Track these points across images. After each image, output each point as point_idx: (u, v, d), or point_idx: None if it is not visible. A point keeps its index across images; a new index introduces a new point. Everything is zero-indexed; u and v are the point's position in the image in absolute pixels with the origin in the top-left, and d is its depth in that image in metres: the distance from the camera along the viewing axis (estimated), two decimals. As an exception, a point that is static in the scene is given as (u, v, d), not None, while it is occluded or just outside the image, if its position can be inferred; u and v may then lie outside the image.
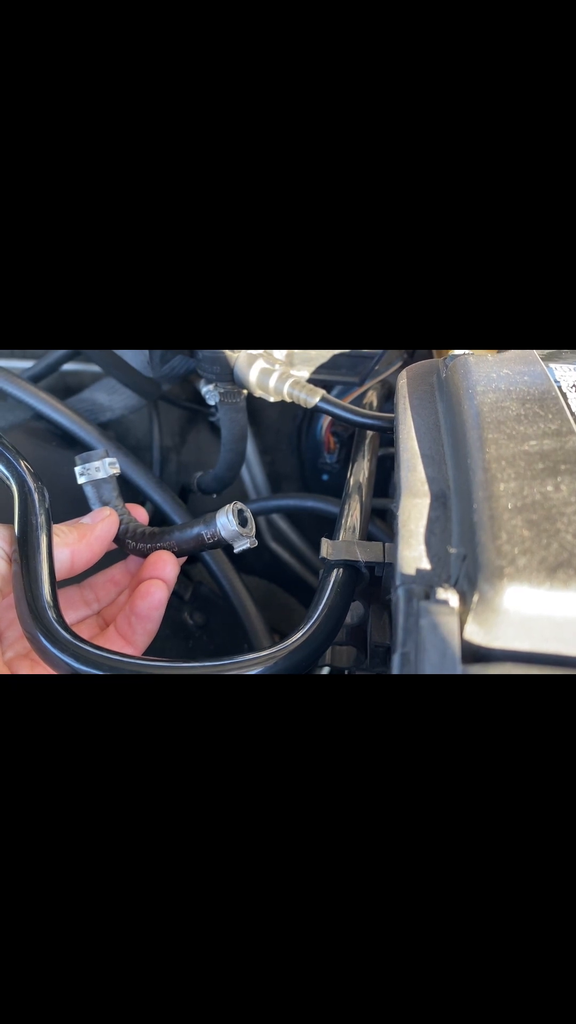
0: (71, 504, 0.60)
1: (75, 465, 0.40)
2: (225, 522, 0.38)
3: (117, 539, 0.38)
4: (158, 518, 0.57)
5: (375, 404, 0.55)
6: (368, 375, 0.54)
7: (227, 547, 0.39)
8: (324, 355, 0.54)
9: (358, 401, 0.56)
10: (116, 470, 0.40)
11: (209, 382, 0.51)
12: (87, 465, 0.39)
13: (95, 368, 0.68)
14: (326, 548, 0.37)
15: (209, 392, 0.51)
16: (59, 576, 0.34)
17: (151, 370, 0.52)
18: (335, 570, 0.36)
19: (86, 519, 0.37)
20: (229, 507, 0.38)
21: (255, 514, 0.65)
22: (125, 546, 0.40)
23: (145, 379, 0.59)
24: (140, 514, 0.42)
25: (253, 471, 0.78)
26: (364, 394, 0.56)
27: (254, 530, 0.39)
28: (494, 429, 0.25)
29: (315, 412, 0.49)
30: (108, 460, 0.39)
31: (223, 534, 0.38)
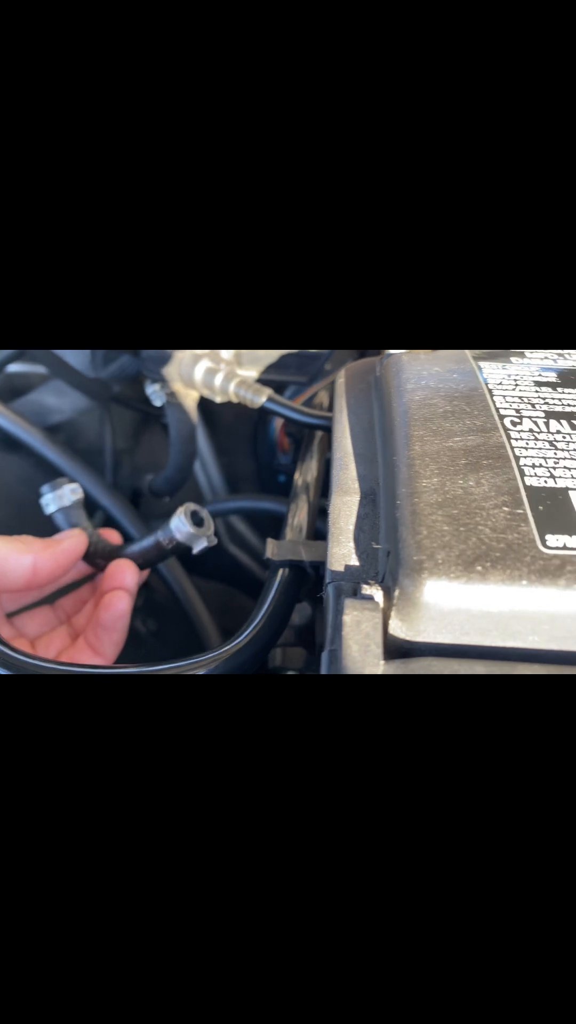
0: (16, 509, 0.58)
1: (41, 496, 0.40)
2: (179, 524, 0.38)
3: (88, 558, 0.39)
4: (110, 525, 0.56)
5: (325, 404, 0.55)
6: (318, 375, 0.54)
7: (187, 550, 0.39)
8: (272, 355, 0.54)
9: (310, 401, 0.56)
10: (79, 495, 0.40)
11: (155, 382, 0.50)
12: (57, 493, 0.39)
13: (42, 369, 0.66)
14: (271, 548, 0.36)
15: (155, 393, 0.51)
16: (21, 584, 0.35)
17: (93, 370, 0.51)
18: (280, 571, 0.36)
19: (56, 536, 0.38)
20: (181, 509, 0.38)
21: (214, 516, 0.64)
22: (96, 565, 0.40)
23: (94, 381, 0.58)
24: (113, 537, 0.42)
25: (209, 473, 0.77)
26: (316, 394, 0.56)
27: (212, 528, 0.39)
28: (420, 426, 0.25)
29: (269, 413, 0.48)
30: (70, 487, 0.40)
31: (179, 537, 0.38)
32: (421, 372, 0.29)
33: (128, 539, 0.48)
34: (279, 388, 0.58)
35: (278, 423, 0.69)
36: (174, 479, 0.59)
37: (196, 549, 0.39)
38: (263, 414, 0.72)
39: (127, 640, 0.59)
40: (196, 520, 0.38)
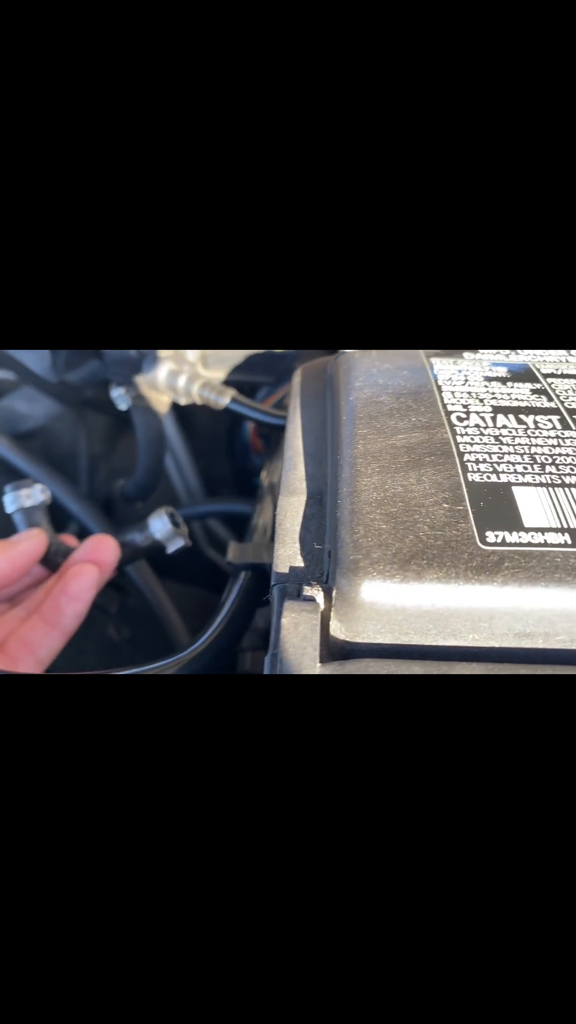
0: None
1: (4, 494, 0.39)
2: (160, 525, 0.39)
3: (47, 560, 0.37)
4: (82, 533, 0.55)
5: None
6: (284, 375, 0.54)
7: (160, 551, 0.39)
8: (239, 356, 0.54)
9: (281, 402, 0.56)
10: (46, 496, 0.39)
11: (120, 385, 0.50)
12: (17, 493, 0.38)
13: (13, 376, 0.66)
14: (232, 552, 0.36)
15: (120, 396, 0.50)
16: None
17: (55, 374, 0.50)
18: (241, 574, 0.35)
19: (13, 537, 0.36)
20: (161, 510, 0.39)
21: (186, 520, 0.64)
22: (56, 567, 0.39)
23: (64, 386, 0.58)
24: (72, 543, 0.41)
25: (186, 476, 0.77)
26: (286, 395, 0.56)
27: (186, 531, 0.40)
28: (365, 424, 0.25)
29: (233, 414, 0.48)
30: (39, 487, 0.39)
31: (158, 536, 0.39)
32: (371, 370, 0.28)
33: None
34: (249, 389, 0.58)
35: (250, 425, 0.69)
36: (145, 483, 0.58)
37: (171, 548, 0.39)
38: (236, 416, 0.72)
39: (101, 651, 0.58)
40: (174, 522, 0.39)
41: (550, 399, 0.27)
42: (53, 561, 0.38)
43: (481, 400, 0.26)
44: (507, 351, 0.31)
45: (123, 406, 0.51)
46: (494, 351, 0.31)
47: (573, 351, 0.32)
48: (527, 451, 0.24)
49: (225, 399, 0.45)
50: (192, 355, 0.51)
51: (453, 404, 0.26)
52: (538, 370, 0.29)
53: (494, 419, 0.25)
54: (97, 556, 0.37)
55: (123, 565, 0.40)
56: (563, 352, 0.31)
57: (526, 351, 0.31)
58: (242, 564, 0.35)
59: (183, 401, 0.48)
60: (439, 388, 0.27)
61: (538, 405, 0.26)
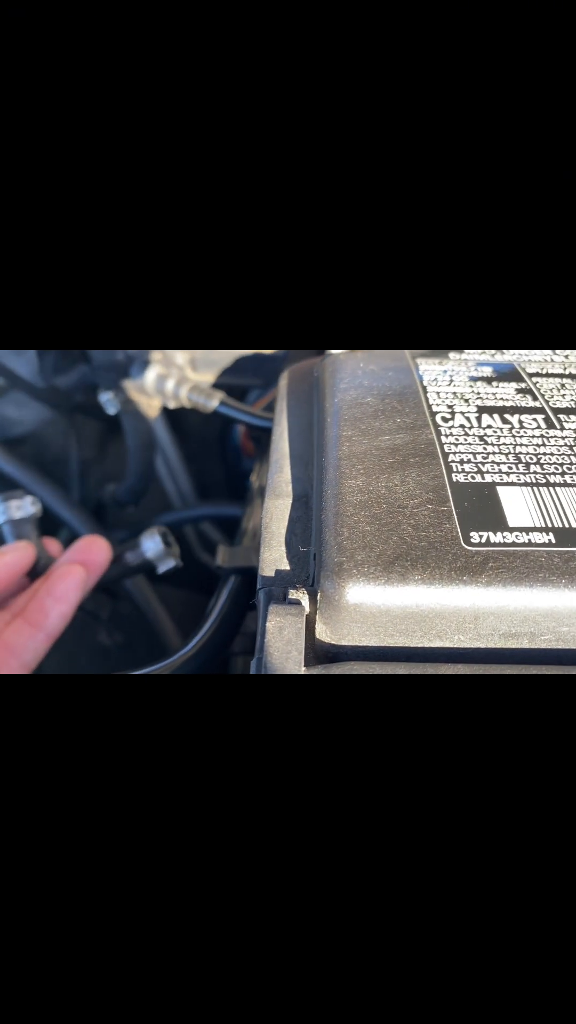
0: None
1: None
2: (152, 545, 0.38)
3: (35, 572, 0.37)
4: (73, 540, 0.55)
5: (288, 407, 0.55)
6: (273, 377, 0.54)
7: (152, 569, 0.39)
8: (227, 358, 0.54)
9: (271, 405, 0.56)
10: (37, 508, 0.39)
11: (108, 390, 0.50)
12: (7, 504, 0.38)
13: (1, 381, 0.65)
14: (221, 555, 0.36)
15: (108, 401, 0.50)
16: None
17: (43, 379, 0.50)
18: (231, 578, 0.35)
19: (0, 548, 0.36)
20: (153, 529, 0.39)
21: (178, 524, 0.63)
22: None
23: (54, 391, 0.57)
24: (54, 548, 0.41)
25: (178, 479, 0.77)
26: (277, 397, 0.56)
27: (178, 551, 0.40)
28: (350, 426, 0.25)
29: (222, 416, 0.48)
30: (29, 499, 0.39)
31: (149, 555, 0.39)
32: (356, 372, 0.28)
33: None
34: (239, 392, 0.58)
35: (241, 428, 0.69)
36: (136, 487, 0.58)
37: (161, 569, 0.39)
38: (227, 419, 0.72)
39: (93, 653, 0.58)
40: (166, 541, 0.39)
41: (535, 398, 0.27)
42: (41, 574, 0.38)
43: (466, 400, 0.26)
44: (493, 351, 0.32)
45: (112, 411, 0.51)
46: (480, 351, 0.31)
47: (559, 350, 0.32)
48: (512, 451, 0.24)
49: (214, 402, 0.45)
50: (181, 358, 0.51)
51: (438, 405, 0.26)
52: (523, 370, 0.29)
53: (479, 419, 0.25)
54: (88, 557, 0.36)
55: (113, 581, 0.40)
56: (548, 352, 0.31)
57: (512, 351, 0.31)
58: (231, 568, 0.35)
59: (172, 405, 0.48)
60: (424, 389, 0.27)
61: (523, 404, 0.26)
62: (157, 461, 0.62)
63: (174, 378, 0.46)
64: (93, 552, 0.37)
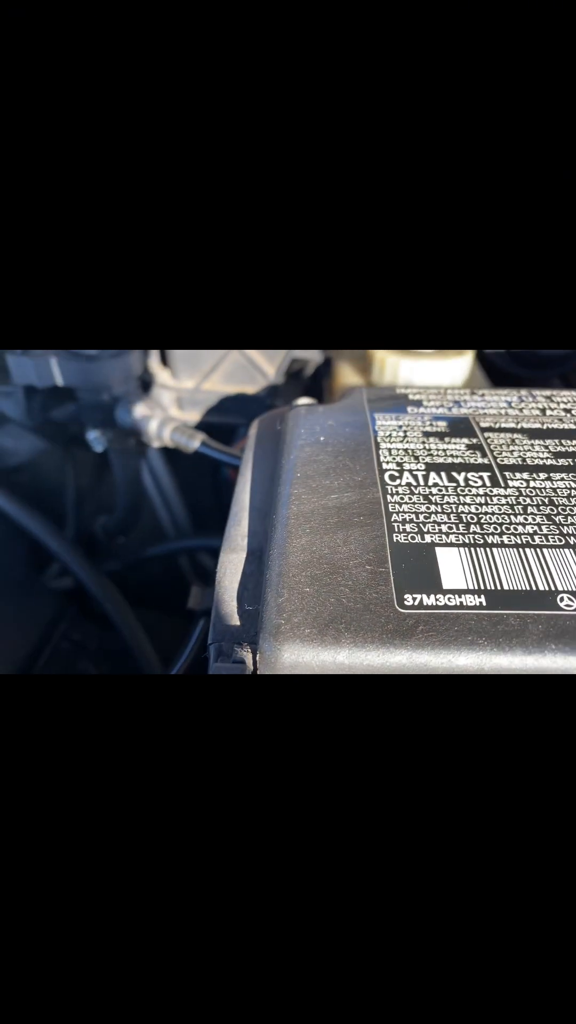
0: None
1: None
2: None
3: None
4: (64, 575, 0.56)
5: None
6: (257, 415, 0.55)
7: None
8: (212, 398, 0.55)
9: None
10: None
11: (94, 428, 0.51)
12: None
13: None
14: (192, 598, 0.37)
15: (96, 439, 0.52)
16: None
17: (30, 418, 0.52)
18: (200, 620, 0.36)
19: None
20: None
21: (170, 554, 0.64)
22: None
23: (50, 423, 0.59)
24: None
25: (172, 509, 0.78)
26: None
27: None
28: (301, 484, 0.26)
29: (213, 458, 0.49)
30: None
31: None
32: (314, 427, 0.30)
33: (82, 588, 0.48)
34: (228, 429, 0.59)
35: (232, 460, 0.70)
36: (125, 520, 0.60)
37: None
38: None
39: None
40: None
41: (484, 455, 0.28)
42: None
43: (416, 457, 0.27)
44: (454, 397, 0.33)
45: (99, 448, 0.52)
46: (438, 403, 0.32)
47: (523, 395, 0.32)
48: (454, 510, 0.24)
49: (195, 443, 0.47)
50: (166, 397, 0.53)
51: (388, 462, 0.27)
52: (477, 424, 0.30)
53: (426, 477, 0.26)
54: None
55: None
56: (511, 397, 0.32)
57: (474, 398, 0.32)
58: (202, 610, 0.36)
59: (155, 444, 0.50)
60: (377, 445, 0.28)
61: (471, 461, 0.27)
62: (151, 490, 0.64)
63: (158, 419, 0.48)
64: None
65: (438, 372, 0.50)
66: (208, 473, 0.78)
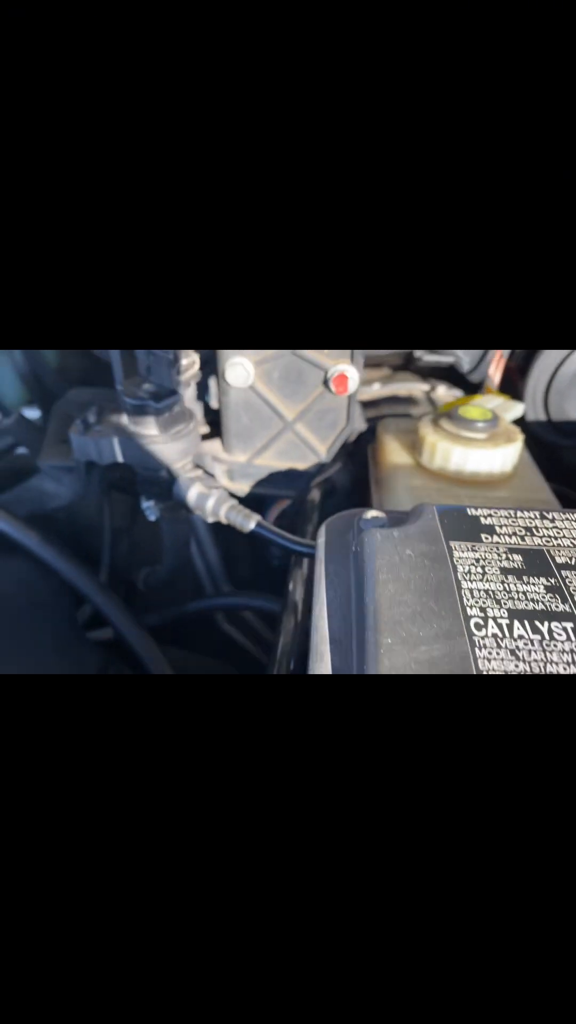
0: (9, 611, 0.59)
1: None
2: None
3: None
4: (99, 623, 0.57)
5: (317, 501, 0.57)
6: (305, 490, 0.56)
7: None
8: (262, 471, 0.56)
9: (285, 511, 0.58)
10: None
11: (149, 499, 0.52)
12: None
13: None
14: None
15: (149, 508, 0.53)
16: None
17: (82, 486, 0.53)
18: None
19: None
20: None
21: (209, 611, 0.65)
22: None
23: (91, 468, 0.60)
24: None
25: (208, 557, 0.79)
26: (307, 496, 0.58)
27: None
28: (389, 631, 0.26)
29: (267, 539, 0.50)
30: None
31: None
32: (393, 558, 0.30)
33: (119, 636, 0.49)
34: (273, 500, 0.60)
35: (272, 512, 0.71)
36: (168, 579, 0.61)
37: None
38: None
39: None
40: None
41: (564, 599, 0.28)
42: None
43: (498, 601, 0.28)
44: (525, 522, 0.33)
45: (152, 517, 0.53)
46: (510, 531, 0.33)
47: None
48: (542, 669, 0.25)
49: (251, 524, 0.47)
50: (217, 470, 0.53)
51: (472, 607, 0.28)
52: (552, 558, 0.31)
53: (510, 628, 0.27)
54: None
55: None
56: (577, 531, 0.32)
57: (544, 523, 0.33)
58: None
59: (210, 520, 0.51)
60: (459, 584, 0.29)
61: (553, 608, 0.28)
62: (194, 549, 0.65)
63: (214, 497, 0.49)
64: None
65: (490, 459, 0.50)
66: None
